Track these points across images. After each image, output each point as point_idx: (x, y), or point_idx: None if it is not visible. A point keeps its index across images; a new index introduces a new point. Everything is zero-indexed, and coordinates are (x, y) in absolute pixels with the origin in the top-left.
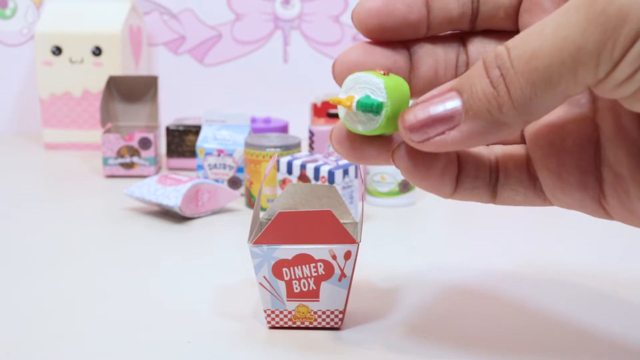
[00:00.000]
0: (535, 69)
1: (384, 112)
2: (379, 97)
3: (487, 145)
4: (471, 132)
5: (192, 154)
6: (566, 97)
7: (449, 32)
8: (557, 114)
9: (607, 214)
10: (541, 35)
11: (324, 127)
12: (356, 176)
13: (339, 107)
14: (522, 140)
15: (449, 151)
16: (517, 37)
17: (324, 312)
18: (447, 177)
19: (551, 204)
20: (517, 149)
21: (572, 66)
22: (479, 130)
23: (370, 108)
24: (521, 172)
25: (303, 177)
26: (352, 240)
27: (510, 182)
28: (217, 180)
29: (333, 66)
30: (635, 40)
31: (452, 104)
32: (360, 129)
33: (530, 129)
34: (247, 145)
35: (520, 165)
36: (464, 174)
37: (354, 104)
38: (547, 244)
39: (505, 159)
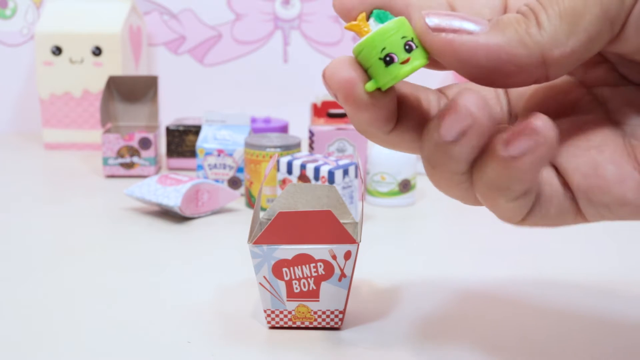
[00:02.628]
0: (563, 4)
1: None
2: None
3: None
4: (490, 41)
5: (192, 154)
6: (588, 48)
7: None
8: (571, 113)
9: None
10: None
11: (324, 127)
12: (356, 176)
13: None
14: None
15: (459, 66)
16: None
17: (324, 312)
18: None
19: (585, 219)
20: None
21: (598, 10)
22: (498, 44)
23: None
24: (553, 177)
25: (303, 177)
26: (352, 240)
27: (544, 195)
28: (217, 180)
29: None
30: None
31: (475, 24)
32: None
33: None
34: (247, 145)
35: (550, 176)
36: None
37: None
38: (547, 244)
39: None
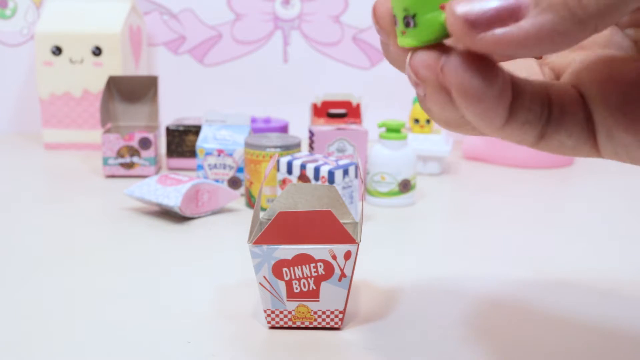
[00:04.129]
0: None
1: None
2: None
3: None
4: (541, 27)
5: (192, 154)
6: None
7: None
8: (603, 48)
9: None
10: None
11: (324, 127)
12: (356, 176)
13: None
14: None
15: (510, 56)
16: None
17: (324, 312)
18: (503, 103)
19: (599, 154)
20: (566, 86)
21: None
22: (550, 26)
23: None
24: (578, 108)
25: (303, 177)
26: (352, 240)
27: (565, 122)
28: (217, 180)
29: None
30: None
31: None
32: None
33: (579, 64)
34: (247, 145)
35: (576, 102)
36: (518, 103)
37: None
38: (546, 244)
39: (560, 92)
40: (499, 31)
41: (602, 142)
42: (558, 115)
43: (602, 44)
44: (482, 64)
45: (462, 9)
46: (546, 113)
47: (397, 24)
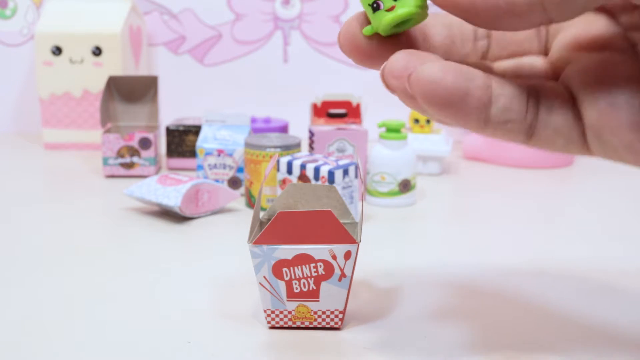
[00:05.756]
0: None
1: None
2: None
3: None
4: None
5: (192, 154)
6: None
7: None
8: (602, 50)
9: None
10: None
11: (324, 127)
12: (356, 176)
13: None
14: (555, 76)
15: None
16: None
17: (324, 312)
18: (476, 109)
19: (590, 153)
20: (559, 88)
21: None
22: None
23: None
24: (567, 109)
25: (303, 177)
26: (352, 240)
27: (553, 121)
28: (217, 180)
29: None
30: None
31: None
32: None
33: (575, 64)
34: (247, 145)
35: (566, 103)
36: (496, 105)
37: None
38: (547, 244)
39: (550, 93)
40: None
41: (591, 141)
42: (545, 115)
43: (601, 45)
44: (455, 72)
45: None
46: (532, 112)
47: (377, 6)
